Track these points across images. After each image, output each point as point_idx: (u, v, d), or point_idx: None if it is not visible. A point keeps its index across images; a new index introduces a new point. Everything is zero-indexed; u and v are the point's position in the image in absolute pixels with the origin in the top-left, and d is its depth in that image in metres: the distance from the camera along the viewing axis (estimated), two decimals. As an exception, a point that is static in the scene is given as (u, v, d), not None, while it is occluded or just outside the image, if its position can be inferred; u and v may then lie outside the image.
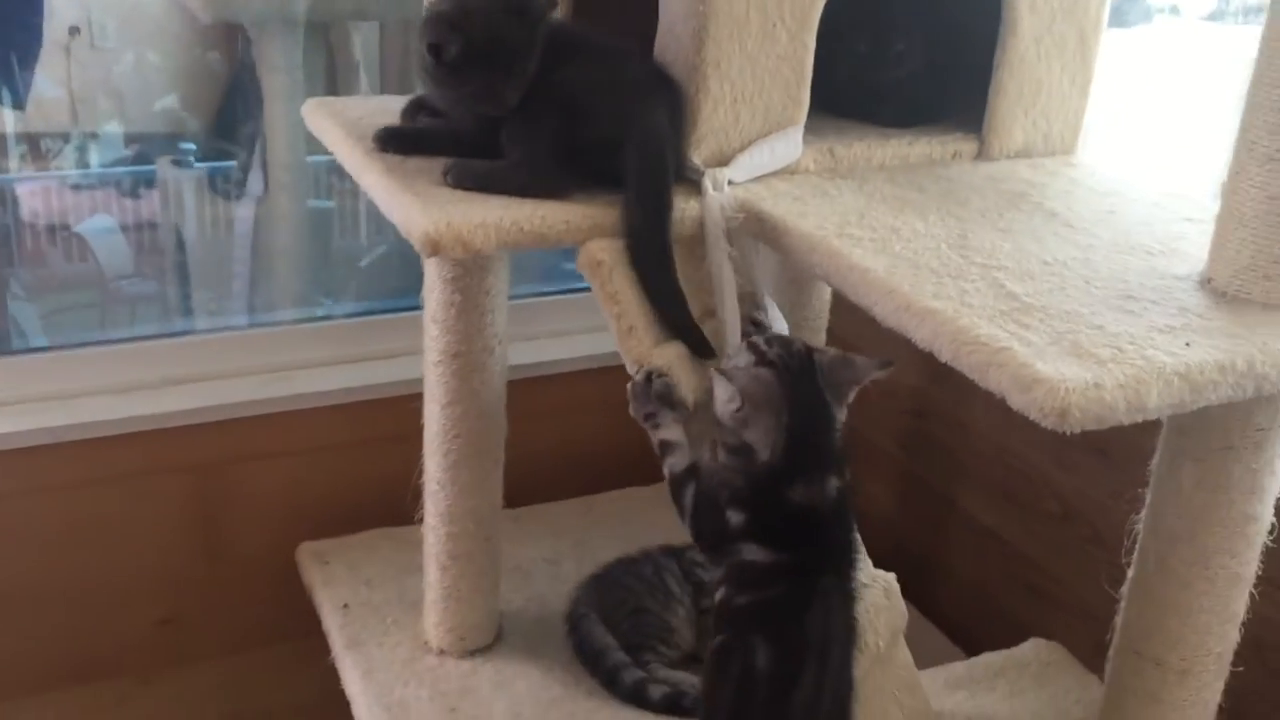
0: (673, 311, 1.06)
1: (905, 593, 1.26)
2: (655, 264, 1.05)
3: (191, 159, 2.16)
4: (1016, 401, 0.82)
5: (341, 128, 1.27)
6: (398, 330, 1.83)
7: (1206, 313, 0.92)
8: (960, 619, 1.63)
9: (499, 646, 1.53)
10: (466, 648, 1.50)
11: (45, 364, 1.66)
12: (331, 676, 1.63)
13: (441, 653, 1.50)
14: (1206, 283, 0.97)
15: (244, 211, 2.18)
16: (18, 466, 1.60)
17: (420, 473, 1.48)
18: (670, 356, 1.05)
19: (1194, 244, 1.06)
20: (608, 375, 1.88)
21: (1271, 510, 1.01)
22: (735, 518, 1.02)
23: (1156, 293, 0.96)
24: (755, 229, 1.10)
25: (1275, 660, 1.27)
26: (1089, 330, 0.88)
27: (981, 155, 1.28)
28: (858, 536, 1.08)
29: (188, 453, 1.69)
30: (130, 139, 2.20)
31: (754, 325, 1.13)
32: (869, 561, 1.23)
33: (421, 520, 1.50)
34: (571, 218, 1.07)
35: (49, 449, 1.61)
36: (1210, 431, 0.98)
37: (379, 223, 2.11)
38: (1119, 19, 2.02)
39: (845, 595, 1.05)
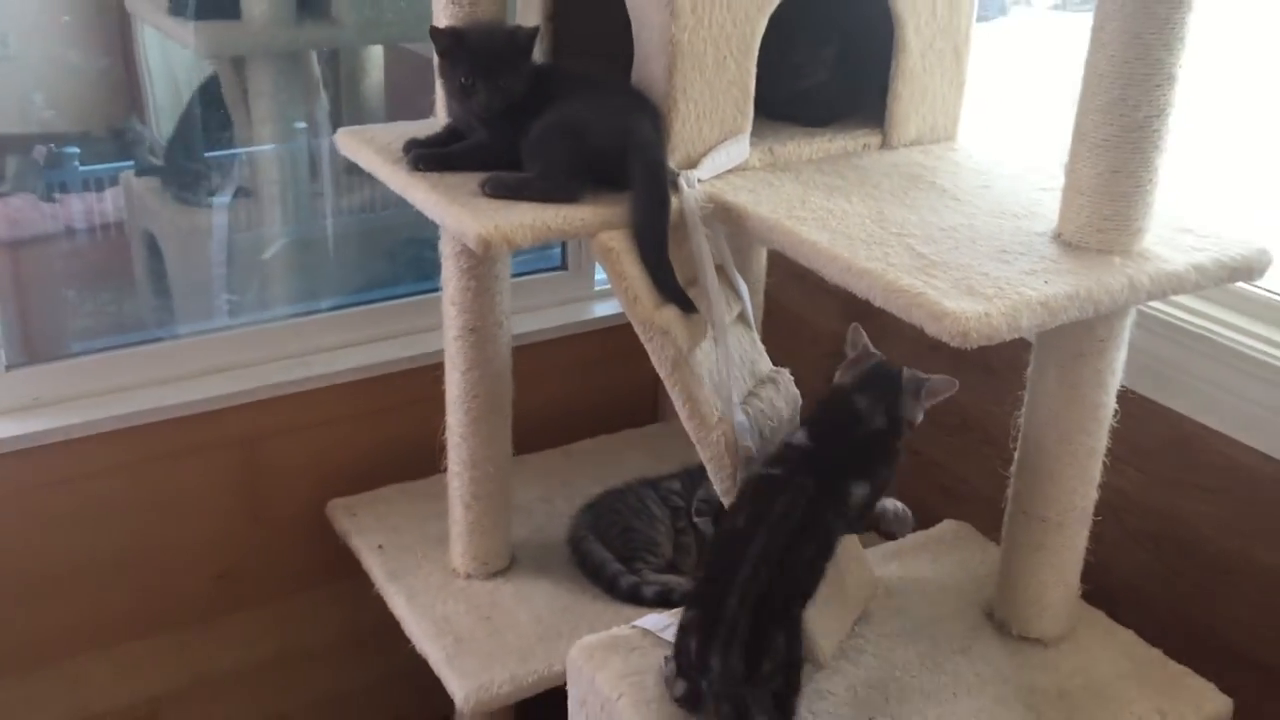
0: (668, 283, 1.38)
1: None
2: (655, 248, 1.37)
3: (76, 162, 2.19)
4: (931, 329, 1.16)
5: (377, 153, 1.56)
6: (395, 316, 2.12)
7: (1058, 259, 1.27)
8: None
9: (514, 569, 1.83)
10: (489, 571, 1.81)
11: (101, 363, 1.91)
12: (361, 615, 1.91)
13: (469, 576, 1.81)
14: (1057, 237, 1.32)
15: (219, 218, 2.40)
16: (87, 452, 1.85)
17: (443, 429, 1.77)
18: (669, 316, 1.37)
19: (1048, 208, 1.40)
20: (576, 342, 2.22)
21: (1114, 398, 1.38)
22: None
23: (1023, 246, 1.30)
24: (722, 216, 1.42)
25: (1131, 521, 1.65)
26: (977, 276, 1.22)
27: (885, 145, 1.61)
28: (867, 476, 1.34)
29: (230, 430, 1.95)
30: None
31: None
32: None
33: (445, 469, 1.79)
34: (586, 216, 1.39)
35: (112, 435, 1.86)
36: (1066, 343, 1.34)
37: (296, 215, 2.29)
38: (978, 13, 2.37)
39: (821, 501, 1.30)
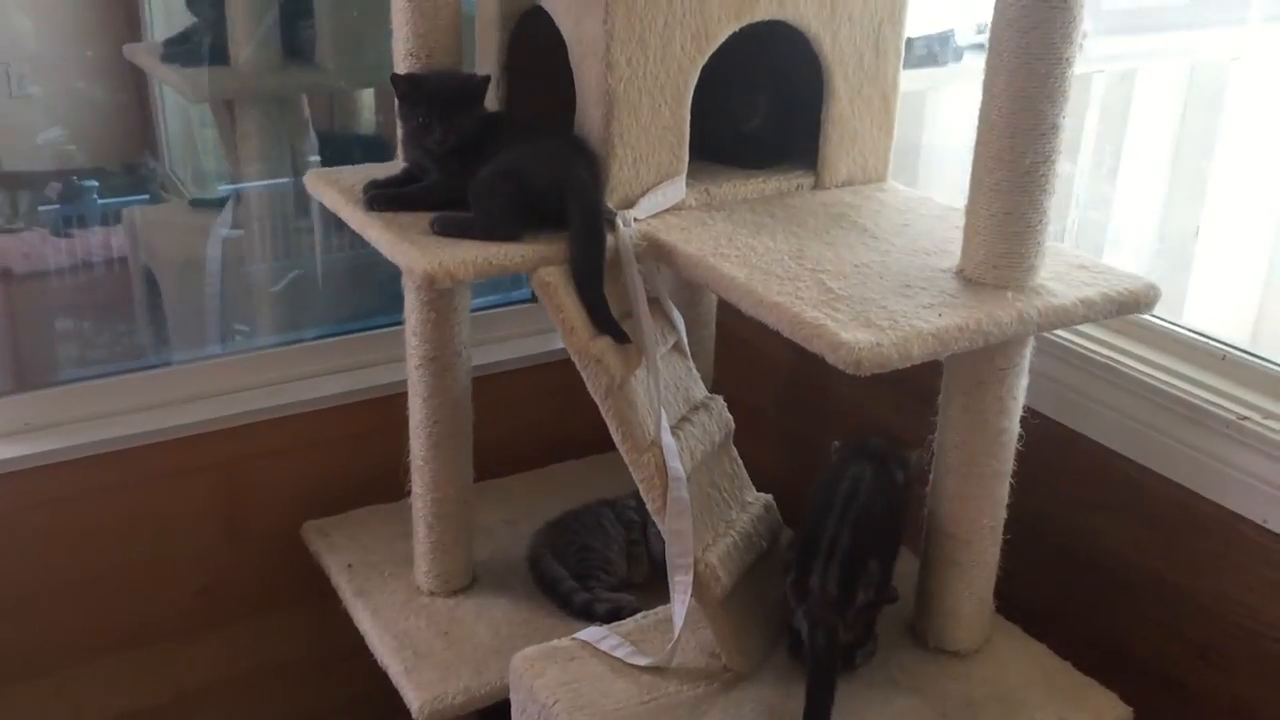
0: (603, 315, 1.49)
1: (791, 524, 1.69)
2: (591, 283, 1.47)
3: (94, 195, 2.31)
4: (830, 358, 1.26)
5: (341, 193, 1.67)
6: (369, 346, 2.24)
7: (957, 293, 1.37)
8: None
9: (475, 587, 1.92)
10: (451, 588, 1.90)
11: (89, 390, 2.02)
12: (335, 631, 2.00)
13: (431, 593, 1.90)
14: (959, 273, 1.42)
15: (213, 250, 2.52)
16: (73, 476, 1.95)
17: (408, 453, 1.87)
18: (603, 346, 1.48)
19: (958, 246, 1.51)
20: (545, 371, 2.32)
21: (1017, 423, 1.48)
22: None
23: (927, 281, 1.41)
24: (655, 253, 1.53)
25: (1049, 540, 1.74)
26: (877, 309, 1.32)
27: (817, 186, 1.71)
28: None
29: (211, 454, 2.05)
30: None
31: None
32: (751, 485, 1.68)
33: (409, 493, 1.89)
34: (526, 253, 1.49)
35: (99, 458, 1.96)
36: (969, 372, 1.44)
37: (287, 249, 2.41)
38: (934, 59, 2.49)
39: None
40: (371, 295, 2.49)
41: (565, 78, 1.61)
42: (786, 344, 2.11)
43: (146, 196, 2.42)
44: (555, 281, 1.49)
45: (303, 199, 2.42)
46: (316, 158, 2.46)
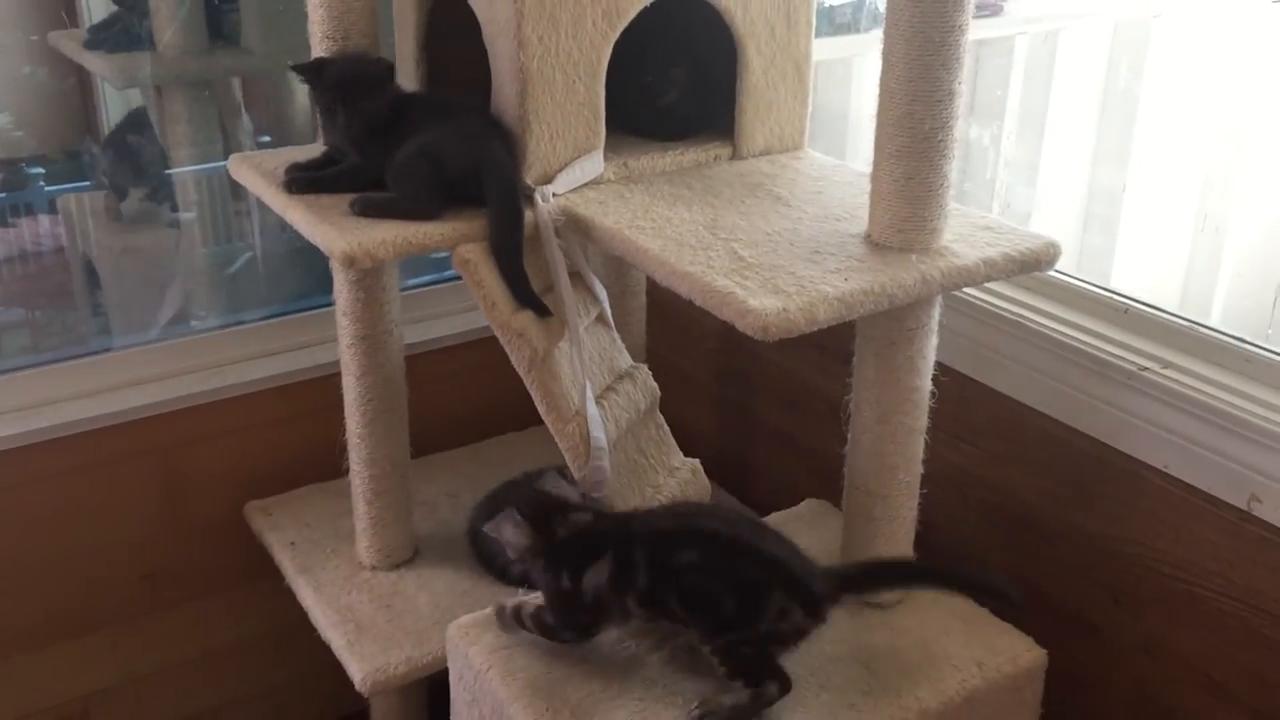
0: (523, 290, 1.52)
1: (726, 486, 1.73)
2: (510, 259, 1.51)
3: (41, 183, 2.31)
4: (739, 325, 1.30)
5: (263, 177, 1.69)
6: (306, 327, 2.25)
7: (864, 258, 1.41)
8: (766, 499, 2.12)
9: (417, 560, 1.96)
10: (392, 562, 1.94)
11: (28, 379, 2.03)
12: (281, 610, 2.03)
13: (373, 568, 1.93)
14: (867, 238, 1.46)
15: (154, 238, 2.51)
16: (16, 463, 1.96)
17: (344, 432, 1.91)
18: (524, 320, 1.51)
19: (868, 211, 1.56)
20: (481, 346, 2.35)
21: (929, 381, 1.52)
22: None
23: (836, 247, 1.45)
24: (574, 227, 1.57)
25: (970, 494, 1.79)
26: (785, 276, 1.36)
27: (734, 157, 1.75)
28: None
29: (152, 438, 2.07)
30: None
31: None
32: (679, 451, 1.72)
33: (347, 470, 1.92)
34: (445, 231, 1.52)
35: (40, 446, 1.98)
36: (879, 333, 1.48)
37: (241, 232, 2.43)
38: (854, 25, 2.52)
39: None
40: (310, 277, 2.51)
41: (480, 59, 1.63)
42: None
43: (89, 183, 2.42)
44: (475, 258, 1.52)
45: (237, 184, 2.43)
46: (267, 139, 2.47)
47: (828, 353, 1.98)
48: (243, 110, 2.54)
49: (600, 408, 1.56)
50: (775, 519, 1.81)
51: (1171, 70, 2.68)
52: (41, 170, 2.31)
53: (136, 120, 2.40)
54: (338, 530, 2.04)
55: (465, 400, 2.34)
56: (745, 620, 1.37)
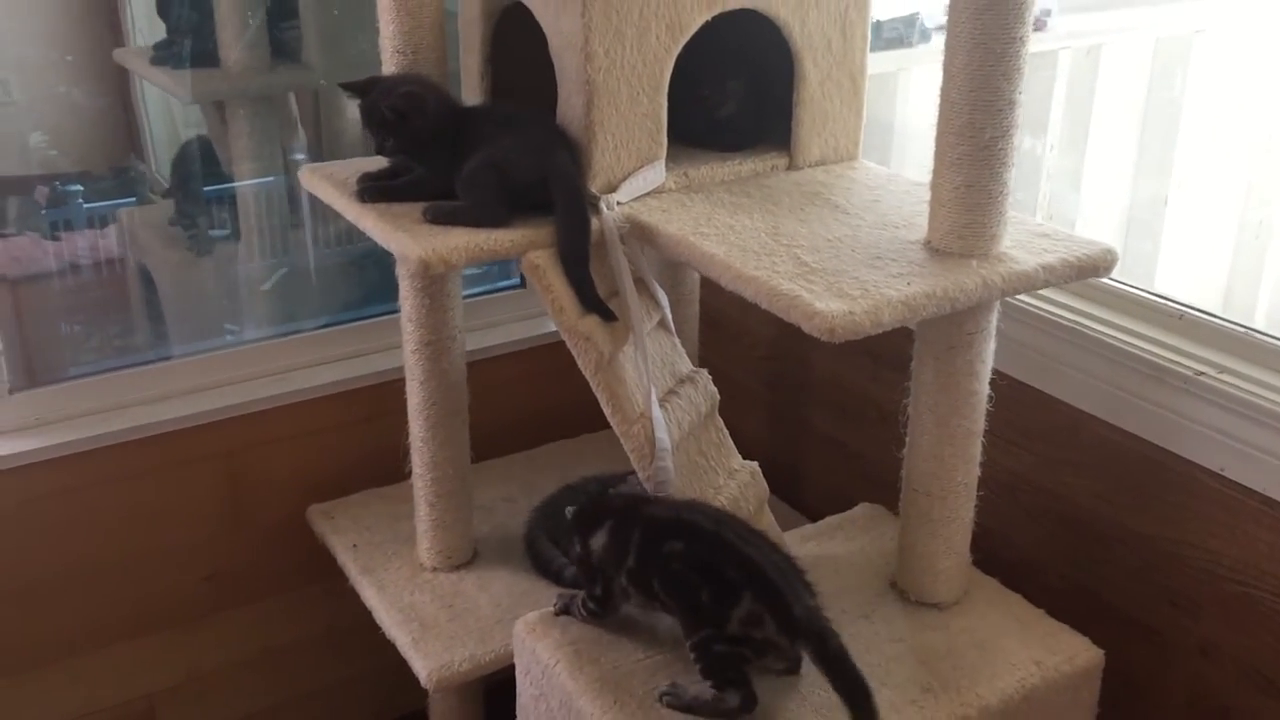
0: (589, 295, 1.56)
1: (777, 492, 1.76)
2: (578, 264, 1.55)
3: (80, 200, 2.33)
4: (805, 327, 1.33)
5: (335, 187, 1.74)
6: (365, 334, 2.30)
7: (924, 263, 1.45)
8: (817, 504, 2.15)
9: (476, 562, 2.00)
10: (453, 564, 1.98)
11: (96, 385, 2.09)
12: (342, 610, 2.08)
13: (434, 569, 1.97)
14: (927, 244, 1.50)
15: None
16: (84, 467, 2.02)
17: (407, 436, 1.95)
18: (591, 324, 1.55)
19: (925, 219, 1.58)
20: (536, 354, 2.39)
21: (987, 385, 1.55)
22: None
23: (896, 253, 1.48)
24: (638, 234, 1.61)
25: (1023, 498, 1.82)
26: (849, 280, 1.40)
27: (791, 167, 1.79)
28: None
29: (216, 443, 2.12)
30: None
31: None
32: (738, 454, 1.76)
33: (409, 474, 1.96)
34: (515, 238, 1.57)
35: (108, 450, 2.03)
36: (939, 338, 1.51)
37: (275, 248, 2.47)
38: (902, 41, 2.56)
39: None
40: (361, 288, 2.56)
41: (545, 71, 1.68)
42: (767, 319, 2.20)
43: (134, 199, 2.48)
44: (543, 264, 1.56)
45: (295, 196, 2.49)
46: (300, 156, 2.53)
47: (880, 360, 2.01)
48: (298, 126, 2.60)
49: (663, 410, 1.59)
50: (829, 523, 1.85)
51: (1213, 83, 2.71)
52: (79, 187, 2.34)
53: (196, 153, 2.47)
54: (398, 533, 2.08)
55: (519, 407, 2.38)
56: (717, 616, 1.41)
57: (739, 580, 1.41)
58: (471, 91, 1.83)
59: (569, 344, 1.58)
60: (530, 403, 2.40)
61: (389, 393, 2.17)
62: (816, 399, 2.18)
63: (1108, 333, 1.67)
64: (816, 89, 1.76)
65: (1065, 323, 1.71)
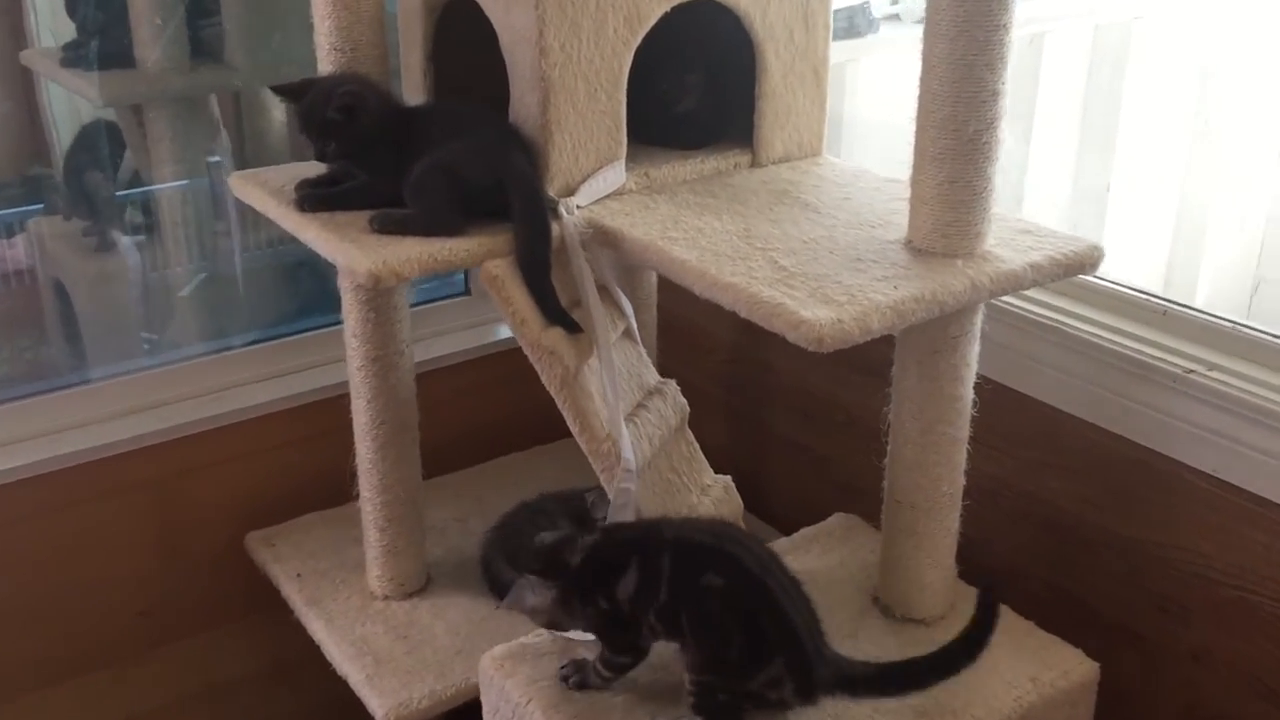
0: (552, 306, 1.47)
1: (742, 500, 1.68)
2: (538, 274, 1.45)
3: None
4: (791, 337, 1.25)
5: (269, 195, 1.62)
6: (302, 349, 2.18)
7: (908, 264, 1.37)
8: (785, 514, 2.08)
9: (430, 588, 1.89)
10: (405, 591, 1.87)
11: (12, 411, 1.94)
12: (286, 642, 1.95)
13: (386, 598, 1.86)
14: (908, 244, 1.42)
15: (130, 259, 2.42)
16: (3, 500, 1.88)
17: (353, 458, 1.82)
18: (555, 336, 1.46)
19: (902, 217, 1.49)
20: (483, 364, 2.29)
21: (971, 390, 1.48)
22: None
23: (876, 254, 1.40)
24: (601, 239, 1.51)
25: (1005, 503, 1.76)
26: (832, 285, 1.32)
27: (754, 164, 1.70)
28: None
29: (145, 470, 1.99)
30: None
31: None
32: (709, 468, 1.67)
33: (356, 496, 1.84)
34: (470, 247, 1.46)
35: (28, 481, 1.89)
36: (922, 342, 1.44)
37: (197, 253, 2.35)
38: (853, 31, 2.49)
39: None
40: (293, 294, 2.44)
41: (492, 67, 1.58)
42: (728, 323, 2.14)
43: (41, 206, 2.34)
44: (502, 274, 1.46)
45: (220, 201, 2.36)
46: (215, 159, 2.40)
47: (845, 363, 1.94)
48: (220, 128, 2.47)
49: (632, 426, 1.50)
50: (804, 535, 1.77)
51: (1151, 70, 2.69)
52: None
53: (89, 145, 2.33)
54: (344, 559, 1.97)
55: (466, 420, 2.28)
56: (740, 672, 1.32)
57: (776, 643, 1.31)
58: (413, 91, 1.72)
59: (532, 359, 1.48)
60: (478, 415, 2.30)
61: (329, 410, 2.06)
62: (780, 404, 2.11)
63: (1088, 330, 1.61)
64: (779, 82, 1.68)
65: (1045, 321, 1.65)
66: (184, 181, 2.32)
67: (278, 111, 2.52)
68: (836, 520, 1.80)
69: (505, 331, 2.33)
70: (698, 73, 1.71)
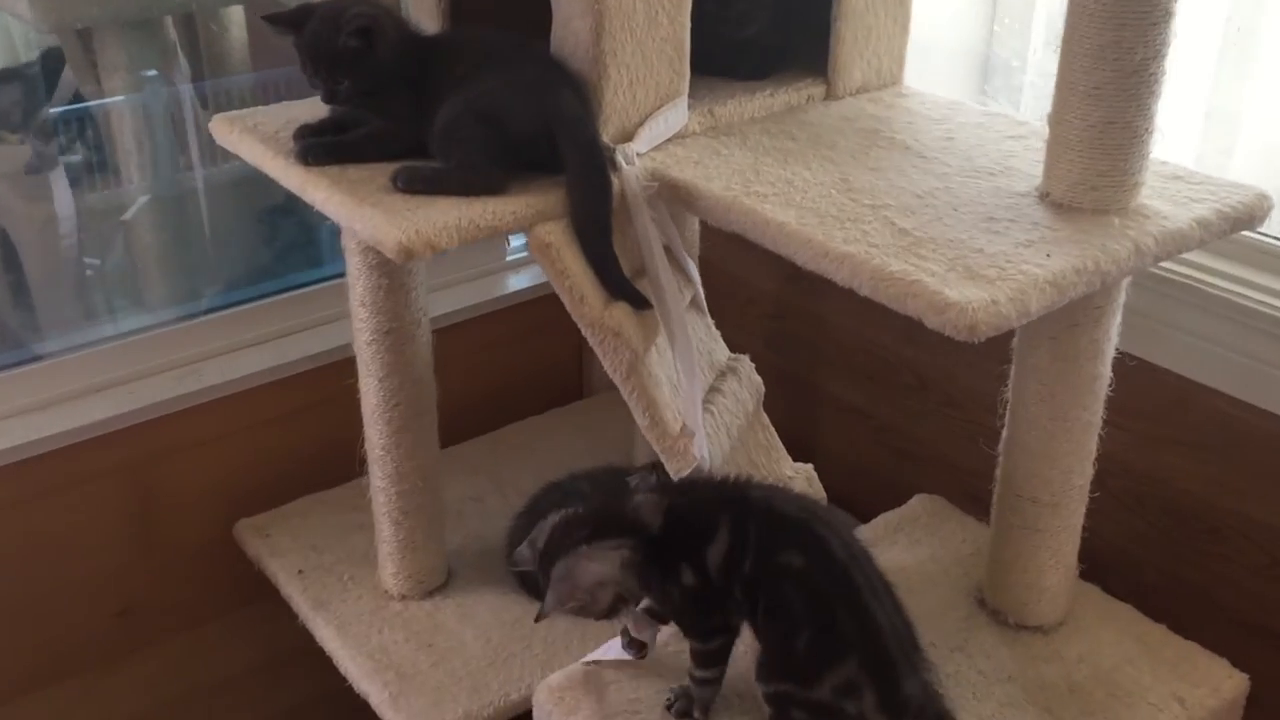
0: (616, 277, 1.22)
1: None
2: (599, 238, 1.21)
3: None
4: (932, 322, 1.02)
5: (262, 143, 1.35)
6: (291, 309, 1.92)
7: (1053, 224, 1.14)
8: (845, 492, 1.86)
9: (452, 583, 1.68)
10: (425, 589, 1.65)
11: (-39, 393, 1.70)
12: (278, 634, 1.74)
13: (404, 598, 1.64)
14: (1045, 196, 1.19)
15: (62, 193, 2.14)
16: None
17: (355, 431, 1.59)
18: (620, 315, 1.22)
19: (1022, 160, 1.27)
20: (492, 319, 2.04)
21: (1110, 368, 1.27)
22: None
23: (1010, 211, 1.17)
24: (669, 195, 1.27)
25: (1114, 484, 1.55)
26: (972, 254, 1.09)
27: (829, 96, 1.46)
28: None
29: (117, 456, 1.76)
30: None
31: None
32: (788, 455, 1.45)
33: (361, 472, 1.61)
34: (517, 208, 1.21)
35: (-11, 473, 1.67)
36: (1059, 314, 1.21)
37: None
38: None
39: None
40: (246, 215, 2.16)
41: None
42: (769, 269, 1.90)
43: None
44: (557, 241, 1.21)
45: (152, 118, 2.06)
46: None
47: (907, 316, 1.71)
48: (179, 53, 2.17)
49: (709, 417, 1.27)
50: (885, 522, 1.56)
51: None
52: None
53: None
54: (351, 550, 1.74)
55: (475, 383, 2.04)
56: (807, 670, 1.12)
57: (851, 637, 1.11)
58: (426, 16, 1.45)
59: (593, 342, 1.24)
60: (488, 377, 2.06)
61: (320, 379, 1.85)
62: (836, 365, 1.88)
63: (1227, 287, 1.39)
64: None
65: (1169, 277, 1.43)
66: (119, 98, 2.03)
67: (238, 30, 2.24)
68: (920, 504, 1.59)
69: (514, 283, 2.08)
70: (761, -9, 1.45)
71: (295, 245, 2.18)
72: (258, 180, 1.38)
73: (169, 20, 2.11)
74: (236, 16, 2.22)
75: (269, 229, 2.21)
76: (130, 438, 1.76)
